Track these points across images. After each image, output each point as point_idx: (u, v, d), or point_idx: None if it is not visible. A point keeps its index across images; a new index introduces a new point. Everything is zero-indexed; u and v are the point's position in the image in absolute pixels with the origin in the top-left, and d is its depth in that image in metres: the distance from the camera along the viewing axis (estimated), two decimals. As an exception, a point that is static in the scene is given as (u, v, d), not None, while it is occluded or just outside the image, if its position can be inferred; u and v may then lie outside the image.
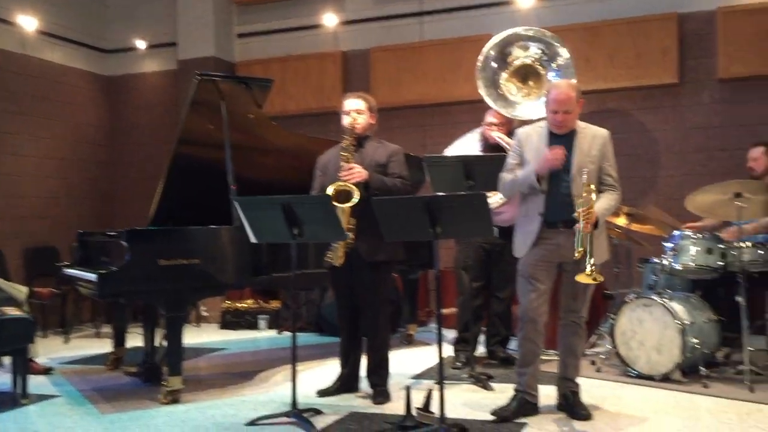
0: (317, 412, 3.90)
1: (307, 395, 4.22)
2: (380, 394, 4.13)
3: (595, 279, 3.38)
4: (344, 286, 4.22)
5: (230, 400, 4.29)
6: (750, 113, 6.52)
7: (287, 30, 7.96)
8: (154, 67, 8.28)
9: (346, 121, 4.12)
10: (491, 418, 3.72)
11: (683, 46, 6.67)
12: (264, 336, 6.86)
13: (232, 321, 7.23)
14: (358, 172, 3.93)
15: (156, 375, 4.55)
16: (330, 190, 3.90)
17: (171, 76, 8.08)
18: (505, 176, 3.73)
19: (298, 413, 3.75)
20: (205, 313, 7.59)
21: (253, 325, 7.16)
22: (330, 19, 7.74)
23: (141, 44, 8.14)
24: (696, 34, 6.66)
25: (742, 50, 6.41)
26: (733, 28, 6.44)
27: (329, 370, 4.80)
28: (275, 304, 7.24)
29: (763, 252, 4.47)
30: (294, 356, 3.83)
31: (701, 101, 6.68)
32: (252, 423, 3.76)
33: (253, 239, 3.87)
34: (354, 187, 3.89)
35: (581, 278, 3.39)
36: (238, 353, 5.99)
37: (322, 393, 4.28)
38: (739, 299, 4.26)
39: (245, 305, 7.27)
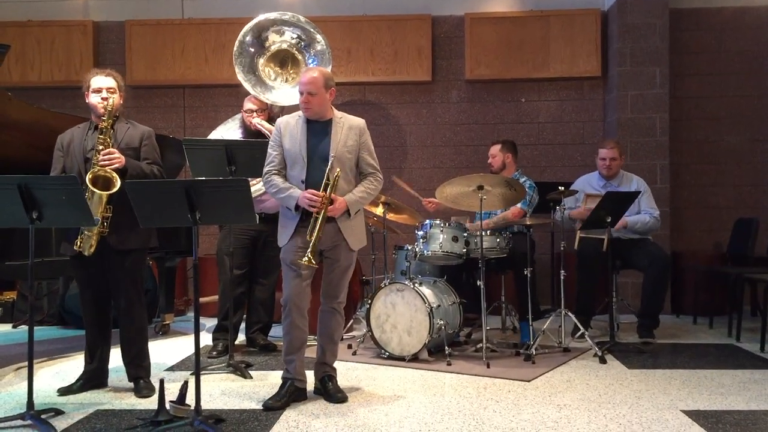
0: (58, 412, 3.58)
1: (47, 394, 3.89)
2: (145, 386, 3.93)
3: (310, 262, 3.54)
4: (91, 275, 3.93)
5: (-49, 406, 3.78)
6: (492, 112, 7.18)
7: (28, -9, 7.22)
8: None
9: (95, 99, 3.86)
10: (249, 406, 3.68)
11: (436, 46, 7.14)
12: (-4, 331, 6.17)
13: (-45, 316, 6.42)
14: (117, 158, 3.72)
15: None
16: (88, 177, 3.65)
17: None
18: (275, 180, 3.71)
19: (35, 415, 3.40)
20: None
21: (-18, 320, 6.42)
22: (80, -15, 7.13)
23: None
24: (447, 37, 7.17)
25: (486, 54, 7.04)
26: (479, 33, 7.04)
27: (73, 365, 4.43)
28: (10, 295, 6.56)
29: (499, 240, 4.94)
30: (31, 352, 3.47)
31: (450, 99, 7.21)
32: (-22, 429, 3.36)
33: (-19, 224, 3.45)
34: (114, 173, 3.68)
35: (303, 261, 3.56)
36: (-38, 352, 5.31)
37: (65, 391, 3.94)
38: (480, 283, 4.67)
39: (-27, 297, 6.50)
